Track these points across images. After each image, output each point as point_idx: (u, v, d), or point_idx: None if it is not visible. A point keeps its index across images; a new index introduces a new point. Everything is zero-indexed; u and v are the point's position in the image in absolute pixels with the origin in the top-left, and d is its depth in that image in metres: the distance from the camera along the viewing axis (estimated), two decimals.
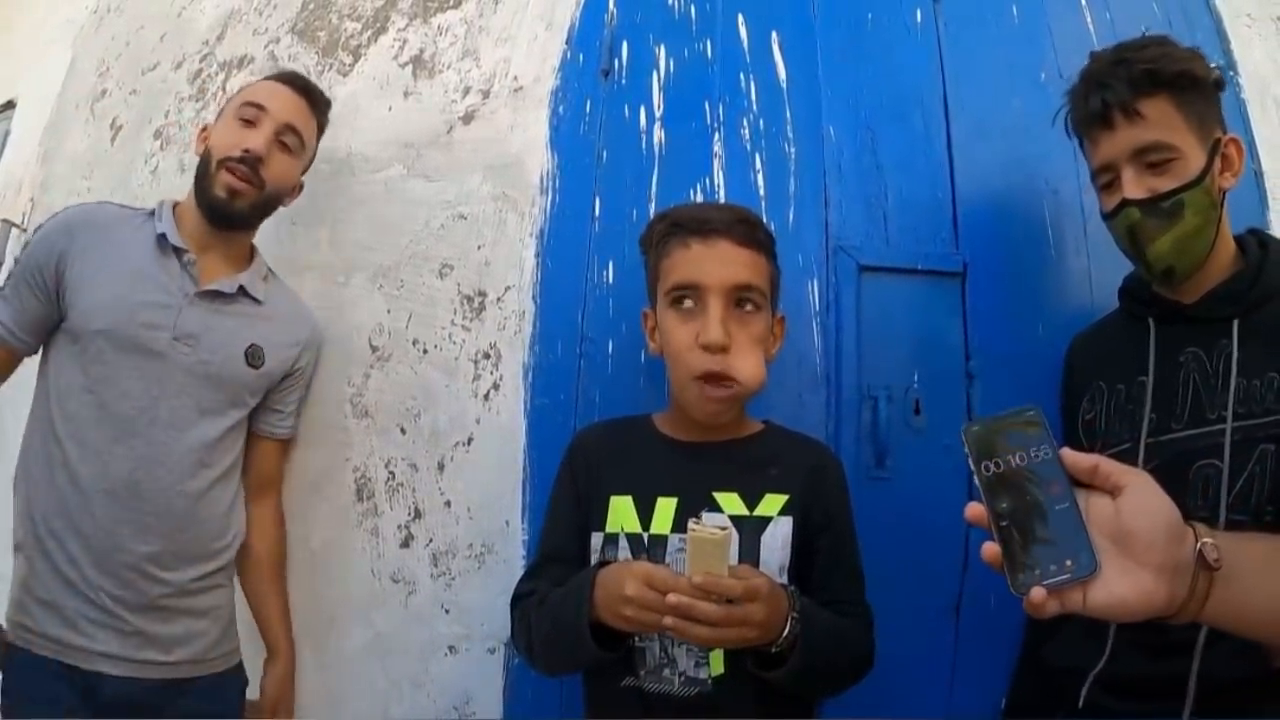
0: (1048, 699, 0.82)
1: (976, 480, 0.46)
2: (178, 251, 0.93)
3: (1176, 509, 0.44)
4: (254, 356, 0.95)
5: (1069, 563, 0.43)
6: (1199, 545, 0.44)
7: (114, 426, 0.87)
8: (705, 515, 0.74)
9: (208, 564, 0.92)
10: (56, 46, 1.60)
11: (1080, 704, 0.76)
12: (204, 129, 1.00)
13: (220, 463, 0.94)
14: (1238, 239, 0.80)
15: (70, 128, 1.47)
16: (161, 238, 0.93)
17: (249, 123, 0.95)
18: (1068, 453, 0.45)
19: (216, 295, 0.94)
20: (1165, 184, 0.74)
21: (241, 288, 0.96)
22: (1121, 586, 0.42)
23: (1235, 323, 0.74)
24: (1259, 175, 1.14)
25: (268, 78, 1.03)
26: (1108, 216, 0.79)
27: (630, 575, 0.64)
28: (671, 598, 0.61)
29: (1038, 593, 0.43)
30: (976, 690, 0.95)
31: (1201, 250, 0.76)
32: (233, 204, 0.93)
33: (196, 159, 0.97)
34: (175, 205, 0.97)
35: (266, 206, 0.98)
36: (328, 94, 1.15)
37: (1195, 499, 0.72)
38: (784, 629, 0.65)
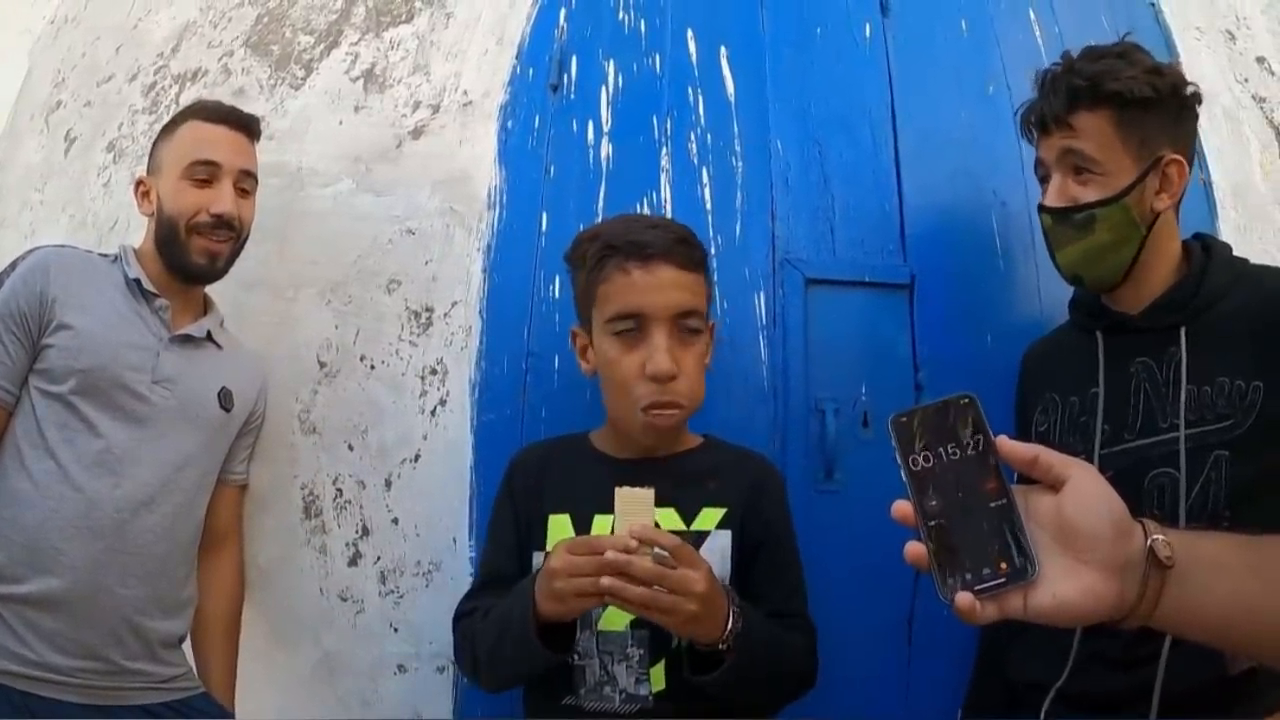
0: (1007, 708, 0.82)
1: (903, 475, 0.42)
2: (148, 296, 0.92)
3: (1123, 502, 0.41)
4: (226, 399, 0.95)
5: (1005, 566, 0.39)
6: (1149, 541, 0.40)
7: (99, 465, 0.85)
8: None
9: (178, 619, 0.91)
10: (13, 57, 1.59)
11: (1041, 717, 0.76)
12: (140, 182, 0.97)
13: (197, 510, 0.93)
14: (1184, 244, 0.80)
15: (24, 139, 1.46)
16: (135, 283, 0.92)
17: (205, 182, 0.93)
18: (1005, 442, 0.41)
19: (188, 340, 0.94)
20: (1085, 195, 0.75)
21: (209, 332, 0.96)
22: (1066, 588, 0.39)
23: (1183, 330, 0.74)
24: (1208, 185, 1.16)
25: (199, 116, 0.97)
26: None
27: (554, 551, 0.64)
28: (610, 554, 0.61)
29: (963, 599, 0.39)
30: (930, 704, 0.95)
31: (1115, 266, 0.77)
32: (214, 267, 0.94)
33: (144, 215, 0.95)
34: (135, 250, 0.96)
35: (239, 250, 0.97)
36: (280, 108, 1.15)
37: (1151, 509, 0.72)
38: (726, 624, 0.64)
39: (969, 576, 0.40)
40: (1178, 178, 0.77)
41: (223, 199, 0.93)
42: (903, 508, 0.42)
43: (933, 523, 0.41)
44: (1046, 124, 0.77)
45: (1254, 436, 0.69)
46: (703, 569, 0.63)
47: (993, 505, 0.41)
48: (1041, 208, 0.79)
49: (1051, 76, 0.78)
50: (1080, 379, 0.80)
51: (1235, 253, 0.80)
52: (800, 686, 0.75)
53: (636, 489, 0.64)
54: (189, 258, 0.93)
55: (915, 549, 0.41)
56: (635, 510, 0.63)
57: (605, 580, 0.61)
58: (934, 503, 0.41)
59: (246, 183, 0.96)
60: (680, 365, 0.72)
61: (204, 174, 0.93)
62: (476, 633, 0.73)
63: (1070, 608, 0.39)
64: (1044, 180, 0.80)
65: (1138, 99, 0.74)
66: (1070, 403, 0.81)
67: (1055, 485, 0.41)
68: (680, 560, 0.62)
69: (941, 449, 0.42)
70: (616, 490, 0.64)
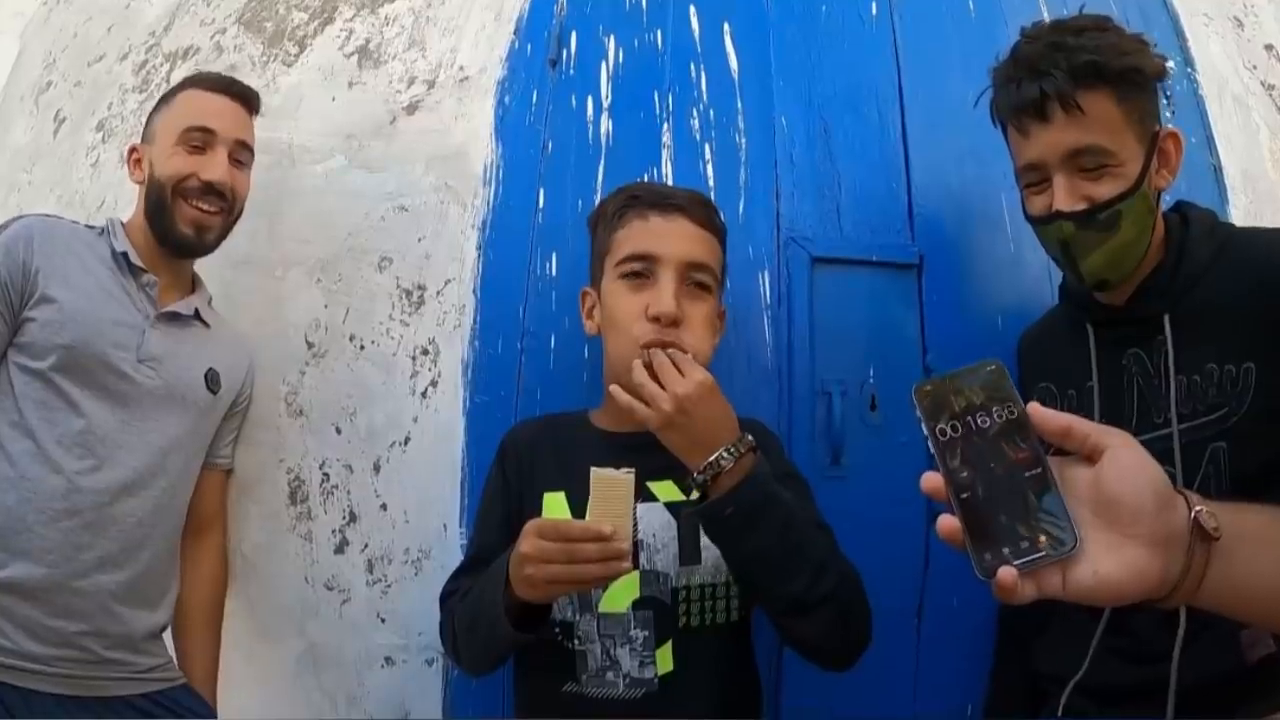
0: (1029, 700, 0.80)
1: (931, 446, 0.40)
2: (135, 272, 0.89)
3: (1164, 472, 0.38)
4: (212, 381, 0.92)
5: (1044, 538, 0.37)
6: (1193, 513, 0.38)
7: (79, 445, 0.82)
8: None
9: (159, 608, 0.88)
10: (5, 38, 1.57)
11: (1060, 710, 0.74)
12: (133, 150, 0.94)
13: (181, 496, 0.90)
14: (1164, 218, 0.74)
15: (15, 120, 1.44)
16: (123, 257, 0.89)
17: (199, 148, 0.90)
18: (1037, 410, 0.39)
19: (175, 318, 0.91)
20: (1101, 191, 0.68)
21: (197, 311, 0.93)
22: (1108, 564, 0.36)
23: (1166, 318, 0.70)
24: (1218, 170, 1.14)
25: (198, 85, 0.95)
26: (1035, 221, 0.73)
27: (524, 534, 0.61)
28: (578, 546, 0.58)
29: (1006, 574, 0.36)
30: (941, 694, 0.92)
31: (1136, 259, 0.71)
32: (202, 239, 0.90)
33: (136, 185, 0.92)
34: (123, 224, 0.93)
35: (232, 225, 0.94)
36: (272, 84, 1.12)
37: None
38: (714, 454, 0.63)
39: (1006, 551, 0.37)
40: (1175, 151, 0.72)
41: (215, 166, 0.90)
42: (933, 479, 0.40)
43: (964, 495, 0.39)
44: (1048, 109, 0.67)
45: (1250, 422, 0.65)
46: (690, 381, 0.63)
47: (1028, 475, 0.38)
48: (1058, 214, 0.68)
49: (1035, 55, 0.69)
50: (1076, 371, 0.77)
51: None
52: (855, 614, 0.67)
53: (614, 472, 0.59)
54: (176, 227, 0.89)
55: (948, 523, 0.38)
56: (611, 496, 0.59)
57: (637, 371, 0.64)
58: (964, 474, 0.39)
59: (242, 155, 0.94)
60: (686, 315, 0.71)
61: (198, 140, 0.90)
62: (457, 613, 0.71)
63: (1112, 585, 0.37)
64: (1032, 185, 0.71)
65: (1140, 75, 0.68)
66: (1068, 396, 0.77)
67: (1091, 456, 0.39)
68: (679, 364, 0.65)
69: (970, 418, 0.40)
70: (592, 471, 0.60)
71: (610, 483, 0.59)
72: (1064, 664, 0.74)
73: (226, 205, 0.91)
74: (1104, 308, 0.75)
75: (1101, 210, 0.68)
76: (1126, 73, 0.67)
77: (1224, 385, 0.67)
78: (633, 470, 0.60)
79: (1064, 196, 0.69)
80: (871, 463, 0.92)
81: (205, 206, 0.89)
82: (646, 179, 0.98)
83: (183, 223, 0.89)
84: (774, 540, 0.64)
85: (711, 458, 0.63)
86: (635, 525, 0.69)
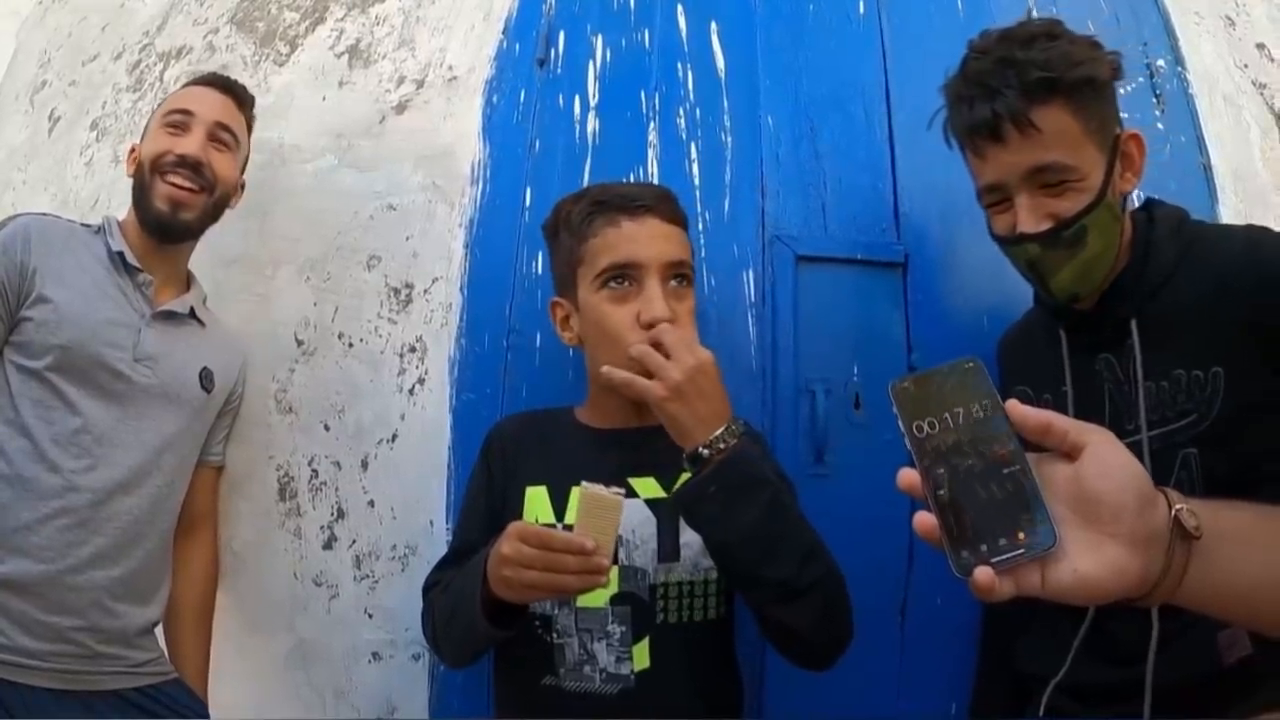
0: (1015, 700, 0.80)
1: (908, 443, 0.40)
2: (131, 270, 0.90)
3: (1144, 470, 0.38)
4: (207, 380, 0.92)
5: (1022, 536, 0.37)
6: (1174, 511, 0.38)
7: (75, 444, 0.83)
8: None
9: (152, 604, 0.88)
10: (1, 38, 1.58)
11: (1041, 710, 0.74)
12: (132, 150, 0.97)
13: (175, 494, 0.91)
14: (1130, 217, 0.73)
15: (10, 119, 1.45)
16: (119, 255, 0.89)
17: (177, 128, 0.92)
18: (1016, 407, 0.39)
19: (170, 316, 0.91)
20: (1065, 207, 0.66)
21: (192, 309, 0.94)
22: (1087, 562, 0.36)
23: (1134, 323, 0.69)
24: (1208, 169, 1.13)
25: (189, 83, 0.99)
26: (1001, 241, 0.72)
27: (505, 535, 0.61)
28: (556, 556, 0.58)
29: (983, 574, 0.36)
30: (924, 693, 0.92)
31: (1105, 269, 0.70)
32: (177, 216, 0.90)
33: (130, 178, 0.94)
34: (119, 222, 0.94)
35: (216, 211, 0.94)
36: (264, 84, 1.13)
37: None
38: (709, 434, 0.62)
39: (984, 549, 0.37)
40: (1138, 153, 0.70)
41: (190, 142, 0.91)
42: (909, 476, 0.39)
43: (941, 492, 0.38)
44: (1002, 131, 0.65)
45: (1221, 427, 0.64)
46: (702, 353, 0.63)
47: (1005, 472, 0.38)
48: (1024, 236, 0.67)
49: (984, 73, 0.67)
50: (1052, 375, 0.76)
51: None
52: (837, 611, 0.66)
53: (604, 491, 0.58)
54: (153, 204, 0.90)
55: (925, 520, 0.38)
56: (599, 514, 0.58)
57: (635, 349, 0.65)
58: (941, 471, 0.39)
59: (223, 136, 0.94)
60: (675, 315, 0.70)
61: (177, 120, 0.92)
62: (438, 605, 0.71)
63: (1092, 584, 0.36)
64: (994, 205, 0.71)
65: (1094, 83, 0.66)
66: (1044, 400, 0.77)
67: (1071, 453, 0.39)
68: (670, 342, 0.64)
69: (947, 415, 0.40)
70: (582, 486, 0.59)
71: (599, 500, 0.58)
72: (1045, 663, 0.74)
73: (204, 183, 0.91)
74: (1075, 311, 0.75)
75: (1067, 228, 0.66)
76: (1080, 83, 0.65)
77: (1192, 391, 0.66)
78: (622, 491, 0.60)
79: (1027, 217, 0.67)
80: (855, 461, 0.92)
81: (179, 181, 0.90)
82: (632, 178, 0.98)
83: (158, 199, 0.90)
84: (761, 520, 0.62)
85: (717, 432, 0.62)
86: None
